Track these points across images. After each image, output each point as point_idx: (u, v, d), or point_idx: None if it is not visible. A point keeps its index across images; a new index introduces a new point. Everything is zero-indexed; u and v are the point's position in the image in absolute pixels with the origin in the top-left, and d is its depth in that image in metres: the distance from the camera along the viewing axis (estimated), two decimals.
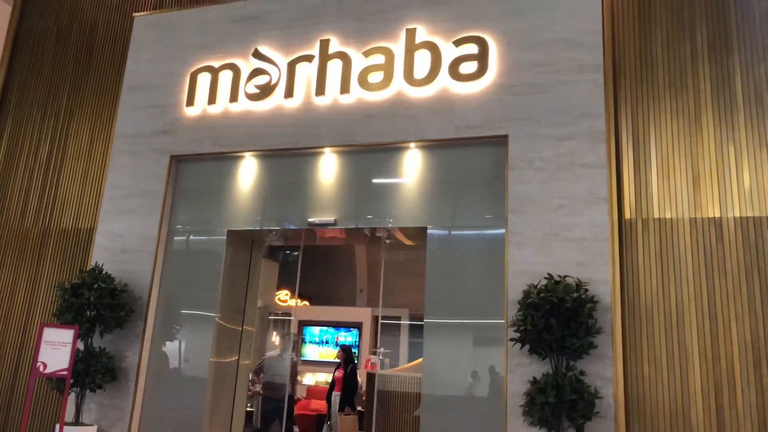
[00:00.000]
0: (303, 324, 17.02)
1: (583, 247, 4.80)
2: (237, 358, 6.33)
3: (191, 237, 6.32)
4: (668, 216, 4.80)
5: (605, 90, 5.05)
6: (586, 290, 4.53)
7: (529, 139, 5.16)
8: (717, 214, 4.69)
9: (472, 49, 5.50)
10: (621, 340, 4.59)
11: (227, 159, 6.28)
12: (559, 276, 4.63)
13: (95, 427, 5.72)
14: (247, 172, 6.22)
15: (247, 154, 6.20)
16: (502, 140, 5.27)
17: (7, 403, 6.38)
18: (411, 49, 5.71)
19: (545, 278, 4.63)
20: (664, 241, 4.76)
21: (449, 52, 5.58)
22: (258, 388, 10.71)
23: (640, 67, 5.18)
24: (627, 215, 4.88)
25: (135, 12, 7.09)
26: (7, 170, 7.22)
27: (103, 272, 5.93)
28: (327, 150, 5.93)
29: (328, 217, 5.83)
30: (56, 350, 5.33)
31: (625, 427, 4.45)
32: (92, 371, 5.62)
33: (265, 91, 6.15)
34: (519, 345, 4.60)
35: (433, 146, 5.59)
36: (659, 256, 4.75)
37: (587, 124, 5.02)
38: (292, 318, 17.37)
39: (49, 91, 7.35)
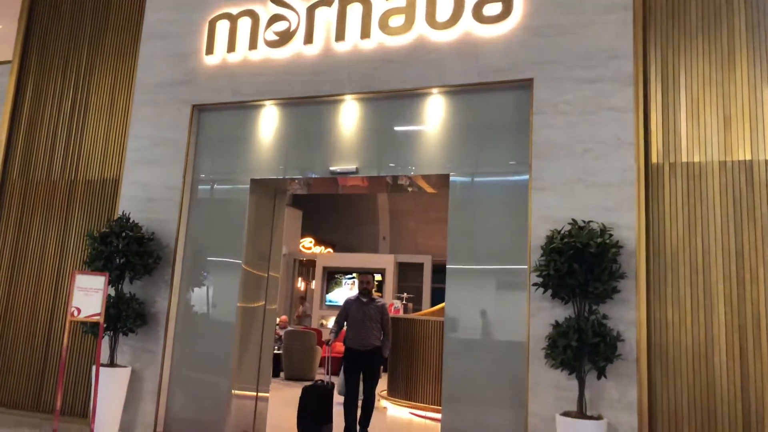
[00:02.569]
0: (327, 270, 17.30)
1: (609, 192, 4.75)
2: (263, 303, 6.48)
3: (215, 186, 6.38)
4: (697, 159, 4.71)
5: (634, 30, 4.89)
6: (611, 235, 4.51)
7: (554, 83, 5.05)
8: (748, 157, 4.59)
9: None
10: (645, 285, 4.59)
11: (248, 108, 6.27)
12: (584, 221, 4.61)
13: (129, 369, 5.95)
14: (269, 121, 6.21)
15: (268, 103, 6.18)
16: (527, 84, 5.17)
17: (45, 347, 6.64)
18: None
19: (569, 224, 4.62)
20: (692, 185, 4.69)
21: None
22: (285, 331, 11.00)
23: (671, 6, 4.98)
24: (654, 159, 4.79)
25: None
26: (33, 125, 7.29)
27: (131, 221, 6.05)
28: (348, 97, 5.88)
29: (350, 166, 5.83)
30: (89, 296, 5.51)
31: (647, 370, 4.50)
32: (124, 316, 5.80)
33: (285, 37, 6.07)
34: (542, 290, 4.62)
35: (456, 91, 5.51)
36: (687, 200, 4.68)
37: (615, 66, 4.89)
38: (316, 264, 17.66)
39: (69, 44, 7.33)
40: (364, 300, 6.59)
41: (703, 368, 4.44)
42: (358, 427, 6.45)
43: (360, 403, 6.50)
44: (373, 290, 6.74)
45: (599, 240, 4.39)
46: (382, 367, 6.69)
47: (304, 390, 6.35)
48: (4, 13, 10.02)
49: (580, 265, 4.36)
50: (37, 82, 7.41)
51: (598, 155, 4.83)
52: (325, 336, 9.53)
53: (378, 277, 16.89)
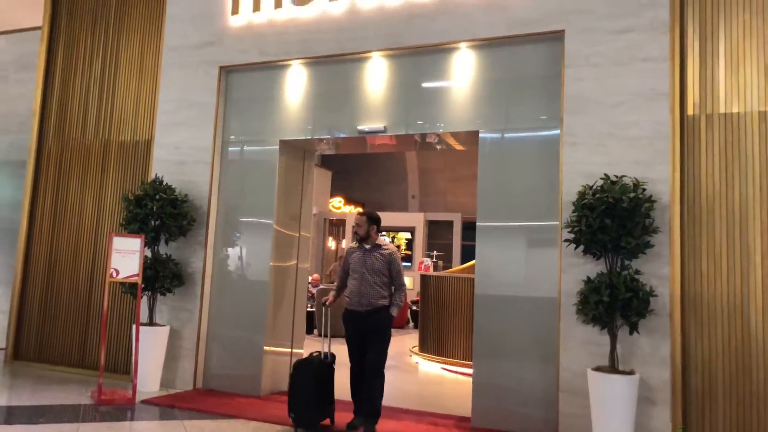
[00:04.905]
0: None
1: (642, 145, 4.66)
2: (296, 262, 6.57)
3: (245, 147, 6.43)
4: (735, 110, 4.57)
5: None
6: (644, 190, 4.43)
7: (585, 34, 4.91)
8: None
9: None
10: (679, 239, 4.53)
11: (275, 68, 6.25)
12: (616, 176, 4.54)
13: (168, 327, 6.14)
14: (296, 81, 6.19)
15: (294, 63, 6.15)
16: (557, 36, 5.04)
17: (87, 308, 6.87)
18: None
19: (601, 179, 4.55)
20: (729, 136, 4.56)
21: None
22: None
23: None
24: (690, 111, 4.66)
25: None
26: (65, 90, 7.39)
27: (164, 183, 6.15)
28: (374, 54, 5.81)
29: (378, 124, 5.80)
30: (126, 258, 5.66)
31: (680, 324, 4.48)
32: (161, 276, 5.96)
33: None
34: (573, 246, 4.60)
35: (484, 45, 5.40)
36: (723, 152, 4.56)
37: (649, 15, 4.73)
38: (345, 224, 17.79)
39: (97, 7, 7.34)
40: (367, 247, 5.12)
41: (738, 321, 4.40)
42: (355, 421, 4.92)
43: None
44: (376, 234, 5.16)
45: (632, 195, 4.33)
46: (389, 331, 5.06)
47: (296, 366, 4.99)
48: None
49: (612, 220, 4.31)
50: (67, 46, 7.47)
51: (631, 108, 4.72)
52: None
53: (407, 235, 16.95)
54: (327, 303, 5.23)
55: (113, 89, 7.08)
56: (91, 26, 7.35)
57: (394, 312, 5.08)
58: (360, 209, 5.30)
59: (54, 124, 7.38)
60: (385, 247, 5.18)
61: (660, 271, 4.52)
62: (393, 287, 5.10)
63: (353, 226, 5.33)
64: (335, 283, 5.53)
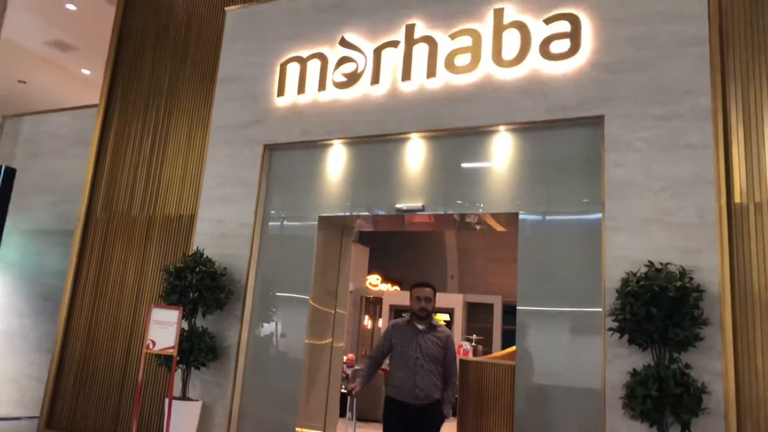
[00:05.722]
0: (394, 308, 17.18)
1: (688, 232, 4.53)
2: (331, 340, 6.49)
3: (284, 222, 6.50)
4: None
5: (711, 64, 4.70)
6: (691, 278, 4.27)
7: (626, 119, 4.90)
8: None
9: (564, 26, 5.28)
10: (731, 333, 4.30)
11: (317, 147, 6.40)
12: (661, 263, 4.39)
13: (200, 402, 6.06)
14: (336, 159, 6.31)
15: (336, 142, 6.29)
16: (597, 121, 5.05)
17: (122, 379, 6.87)
18: (499, 29, 5.55)
19: (645, 265, 4.41)
20: None
21: (539, 30, 5.38)
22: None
23: (750, 38, 4.76)
24: (737, 199, 4.53)
25: (227, 6, 7.30)
26: (115, 164, 7.69)
27: (204, 256, 6.22)
28: (414, 135, 5.90)
29: (416, 203, 5.82)
30: (163, 329, 5.67)
31: (736, 426, 4.18)
32: (196, 350, 5.94)
33: (352, 78, 6.18)
34: (617, 335, 4.42)
35: (524, 129, 5.44)
36: None
37: (691, 102, 4.70)
38: (383, 302, 17.60)
39: (150, 88, 7.73)
40: (420, 327, 4.38)
41: None
42: None
43: None
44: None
45: (678, 283, 4.17)
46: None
47: None
48: (95, 59, 10.76)
49: (658, 309, 4.14)
50: (120, 124, 7.83)
51: (675, 194, 4.63)
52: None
53: (446, 317, 16.62)
54: (354, 392, 4.44)
55: (161, 165, 7.34)
56: (143, 106, 7.71)
57: (448, 412, 4.34)
58: (424, 284, 4.56)
59: (102, 197, 7.64)
60: (440, 329, 4.45)
61: (712, 366, 4.28)
62: (444, 379, 4.36)
63: (420, 298, 4.43)
64: (363, 365, 4.63)
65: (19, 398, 8.01)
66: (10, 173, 6.71)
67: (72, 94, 12.04)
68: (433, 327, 4.44)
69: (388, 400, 4.37)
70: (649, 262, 4.41)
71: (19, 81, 12.80)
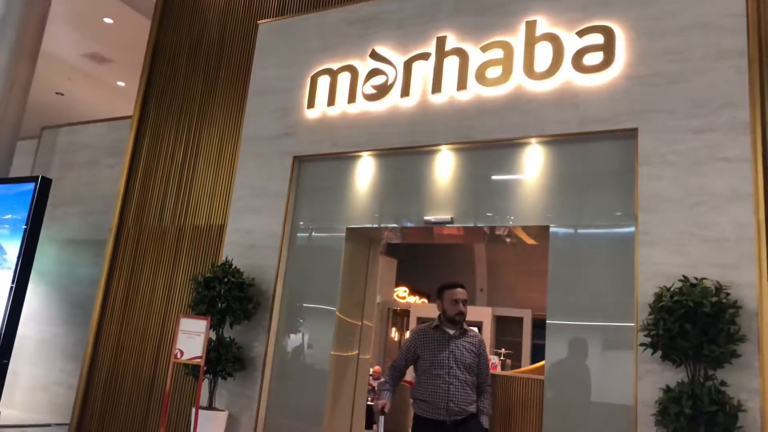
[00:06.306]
0: (421, 320, 17.08)
1: (724, 247, 4.42)
2: (357, 352, 6.47)
3: (313, 234, 6.53)
4: None
5: (750, 77, 4.60)
6: (728, 294, 4.17)
7: (661, 132, 4.83)
8: None
9: (597, 39, 5.24)
10: None
11: (346, 158, 6.42)
12: (696, 278, 4.30)
13: (226, 413, 6.07)
14: (365, 171, 6.32)
15: (365, 154, 6.31)
16: (631, 134, 4.98)
17: (150, 387, 6.93)
18: (531, 41, 5.53)
19: (680, 280, 4.31)
20: None
21: (572, 43, 5.35)
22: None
23: None
24: None
25: (259, 20, 7.41)
26: (148, 176, 7.83)
27: (233, 267, 6.27)
28: (443, 147, 5.89)
29: (445, 215, 5.79)
30: (191, 339, 5.71)
31: None
32: (223, 360, 5.96)
33: (382, 91, 6.21)
34: (650, 351, 4.32)
35: (556, 141, 5.39)
36: None
37: (728, 115, 4.62)
38: (410, 314, 17.52)
39: (183, 101, 7.87)
40: (451, 332, 4.03)
41: None
42: None
43: None
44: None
45: (714, 299, 4.07)
46: None
47: None
48: (130, 72, 11.02)
49: (693, 325, 4.05)
50: (153, 135, 7.98)
51: (710, 208, 4.53)
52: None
53: (474, 329, 16.38)
54: (386, 409, 3.91)
55: (192, 176, 7.44)
56: (176, 118, 7.84)
57: (486, 423, 3.98)
58: (457, 285, 4.28)
59: (134, 207, 7.77)
60: (471, 333, 4.11)
61: (749, 384, 4.16)
62: (478, 387, 4.03)
63: (452, 303, 4.05)
64: (388, 379, 4.22)
65: (49, 405, 8.14)
66: (46, 183, 6.87)
67: (107, 106, 12.33)
68: (464, 331, 4.12)
69: (417, 420, 3.97)
70: (684, 276, 4.32)
71: (57, 93, 13.15)
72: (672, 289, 4.28)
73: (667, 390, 4.18)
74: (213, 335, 6.10)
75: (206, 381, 6.04)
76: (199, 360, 5.69)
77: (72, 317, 8.38)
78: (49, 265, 8.77)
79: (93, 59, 11.66)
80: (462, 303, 4.10)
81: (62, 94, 13.25)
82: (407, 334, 17.17)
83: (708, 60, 4.77)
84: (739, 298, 4.23)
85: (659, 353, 4.28)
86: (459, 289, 4.13)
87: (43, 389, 8.31)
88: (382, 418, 3.85)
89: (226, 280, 6.09)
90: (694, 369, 4.16)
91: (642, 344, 4.36)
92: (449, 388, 3.87)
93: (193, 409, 5.73)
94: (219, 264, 6.40)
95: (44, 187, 6.89)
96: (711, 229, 4.50)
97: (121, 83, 12.55)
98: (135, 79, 8.72)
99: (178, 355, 5.67)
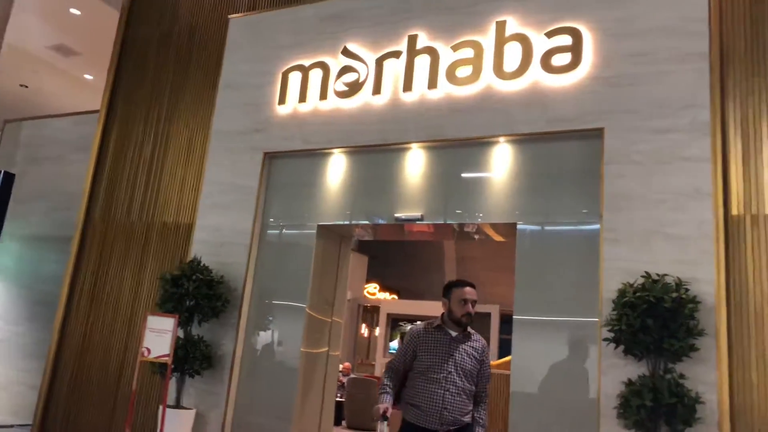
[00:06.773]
0: (391, 317, 17.15)
1: (685, 244, 4.55)
2: (327, 349, 6.47)
3: (283, 231, 6.51)
4: None
5: (711, 79, 4.74)
6: (687, 290, 4.30)
7: (626, 132, 4.94)
8: None
9: (566, 40, 5.33)
10: (726, 344, 4.32)
11: (317, 155, 6.42)
12: (658, 275, 4.42)
13: (194, 411, 6.03)
14: (336, 168, 6.33)
15: (336, 151, 6.31)
16: (597, 133, 5.08)
17: (116, 386, 6.84)
18: (501, 41, 5.61)
19: (642, 277, 4.43)
20: None
21: (541, 44, 5.43)
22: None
23: (750, 54, 4.82)
24: (734, 211, 4.57)
25: (230, 14, 7.35)
26: (115, 170, 7.71)
27: (201, 264, 6.22)
28: (414, 145, 5.94)
29: (415, 213, 5.84)
30: (159, 337, 5.66)
31: None
32: (191, 358, 5.92)
33: (354, 88, 6.23)
34: (613, 345, 4.43)
35: (524, 140, 5.47)
36: None
37: (690, 116, 4.75)
38: (380, 311, 17.58)
39: (152, 95, 7.76)
40: (454, 334, 3.74)
41: None
42: None
43: None
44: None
45: (674, 294, 4.19)
46: None
47: None
48: (98, 65, 10.82)
49: (654, 320, 4.16)
50: (121, 130, 7.86)
51: (673, 207, 4.66)
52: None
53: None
54: (387, 414, 3.51)
55: (160, 172, 7.35)
56: (145, 112, 7.74)
57: None
58: (468, 283, 3.91)
59: (101, 203, 7.65)
60: (475, 337, 3.80)
61: (706, 377, 4.29)
62: (475, 397, 3.75)
63: (461, 303, 3.73)
64: (386, 381, 3.79)
65: (10, 406, 7.96)
66: (9, 178, 6.71)
67: (74, 99, 12.09)
68: (468, 334, 3.78)
69: (406, 426, 3.66)
70: (646, 273, 4.44)
71: (21, 85, 12.85)
72: (635, 285, 4.39)
73: (629, 383, 4.29)
74: (181, 333, 6.05)
75: (173, 379, 5.99)
76: (166, 358, 5.63)
77: (34, 315, 8.20)
78: (11, 262, 8.59)
79: (59, 51, 11.41)
80: (471, 304, 3.75)
81: (27, 87, 12.94)
82: (377, 331, 17.26)
83: (671, 62, 4.90)
84: (699, 293, 4.35)
85: (622, 348, 4.39)
86: (469, 288, 3.79)
87: (3, 389, 8.13)
88: (385, 423, 3.46)
89: (194, 277, 6.04)
90: (655, 363, 4.28)
91: (605, 339, 4.47)
92: (445, 395, 3.57)
93: (160, 408, 5.68)
94: (187, 261, 6.34)
95: (7, 181, 6.75)
96: (673, 227, 4.62)
97: (88, 76, 12.30)
98: (103, 72, 8.58)
99: (145, 353, 5.61)
